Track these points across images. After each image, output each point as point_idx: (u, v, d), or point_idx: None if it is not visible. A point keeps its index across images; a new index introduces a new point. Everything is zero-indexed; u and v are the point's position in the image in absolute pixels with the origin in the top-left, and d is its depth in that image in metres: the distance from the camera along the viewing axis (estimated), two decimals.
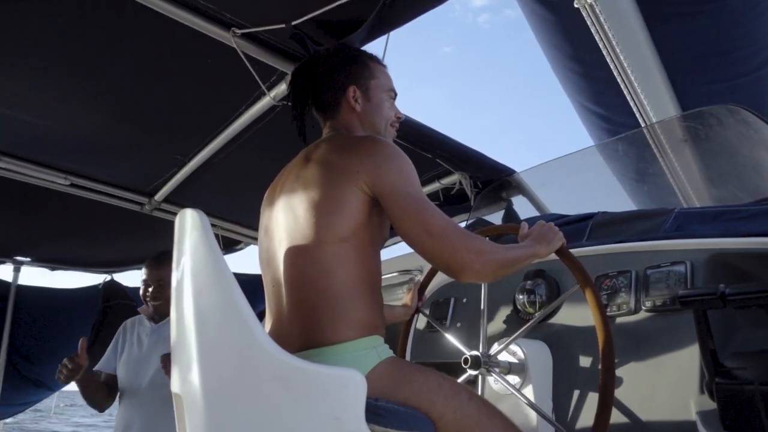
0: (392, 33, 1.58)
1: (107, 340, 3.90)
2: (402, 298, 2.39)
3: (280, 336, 1.14)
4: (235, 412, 0.92)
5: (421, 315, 1.96)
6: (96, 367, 2.46)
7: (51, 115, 2.13)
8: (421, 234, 1.06)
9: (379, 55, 1.40)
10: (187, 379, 0.97)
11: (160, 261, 2.35)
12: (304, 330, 1.10)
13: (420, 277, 2.43)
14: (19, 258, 3.67)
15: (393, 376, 1.07)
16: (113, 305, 3.88)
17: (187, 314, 0.97)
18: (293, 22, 1.48)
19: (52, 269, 3.79)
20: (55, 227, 3.28)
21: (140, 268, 3.91)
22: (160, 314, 2.41)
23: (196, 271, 0.96)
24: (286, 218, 1.18)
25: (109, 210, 2.91)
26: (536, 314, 1.62)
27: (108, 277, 3.96)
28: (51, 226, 3.27)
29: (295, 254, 1.13)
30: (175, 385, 1.05)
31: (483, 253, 1.06)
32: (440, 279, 1.98)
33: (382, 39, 1.68)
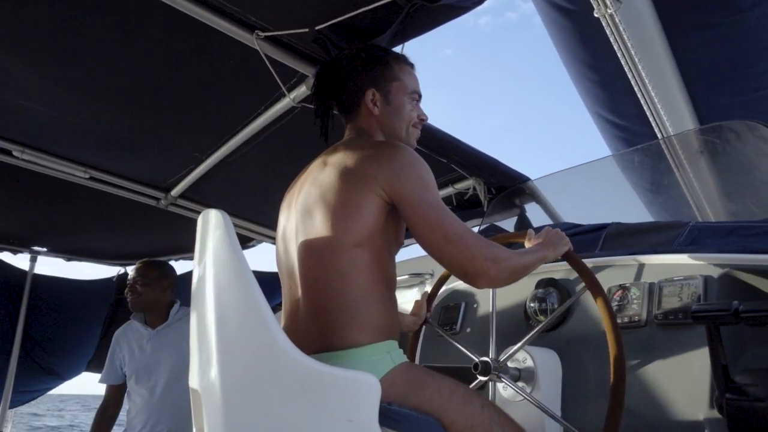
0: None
1: None
2: (412, 300, 2.40)
3: (295, 338, 1.15)
4: (252, 409, 0.94)
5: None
6: (101, 381, 2.63)
7: (73, 110, 2.17)
8: (439, 241, 1.08)
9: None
10: (206, 375, 0.99)
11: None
12: (320, 333, 1.12)
13: (431, 281, 2.44)
14: (36, 248, 3.73)
15: (407, 382, 1.08)
16: (126, 298, 3.93)
17: (208, 312, 0.99)
18: (317, 27, 1.50)
19: (68, 260, 3.85)
20: (72, 219, 3.34)
21: None
22: (136, 310, 2.65)
23: (218, 270, 0.99)
24: (304, 222, 1.19)
25: (125, 204, 2.95)
26: (556, 337, 1.63)
27: (122, 270, 4.02)
28: (68, 218, 3.33)
29: (311, 258, 1.15)
30: (194, 381, 1.07)
31: (499, 261, 1.08)
32: (451, 284, 1.99)
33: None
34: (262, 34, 1.61)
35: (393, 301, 1.20)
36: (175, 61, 1.85)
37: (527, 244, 1.38)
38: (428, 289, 1.91)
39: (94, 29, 1.70)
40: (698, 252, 1.40)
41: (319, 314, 1.12)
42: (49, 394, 4.13)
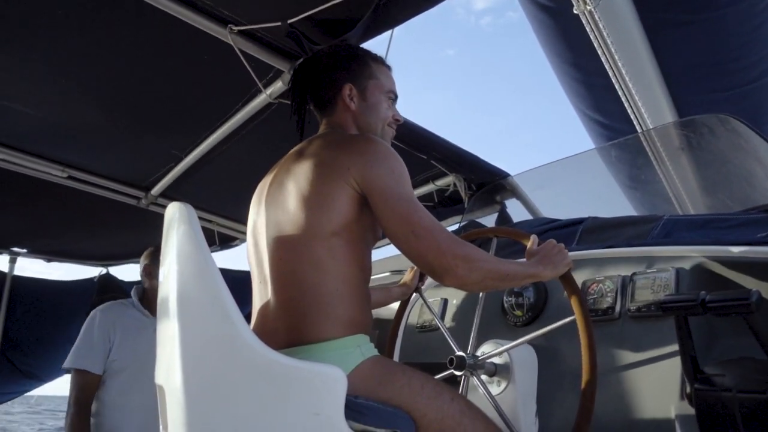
0: (396, 34, 1.59)
1: None
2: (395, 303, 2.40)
3: (265, 332, 1.14)
4: (215, 404, 0.92)
5: (410, 314, 1.97)
6: (75, 365, 2.16)
7: (49, 108, 2.14)
8: (407, 235, 1.06)
9: (381, 55, 1.40)
10: (169, 371, 0.98)
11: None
12: (290, 327, 1.10)
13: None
14: (15, 249, 3.68)
15: (376, 375, 1.07)
16: (107, 299, 3.87)
17: (172, 306, 0.97)
18: (289, 21, 1.49)
19: (48, 261, 3.81)
20: (51, 219, 3.29)
21: (136, 262, 3.92)
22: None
23: (181, 264, 0.97)
24: (276, 213, 1.18)
25: (105, 203, 2.92)
26: (524, 316, 1.63)
27: (103, 271, 3.97)
28: (48, 218, 3.28)
29: (283, 249, 1.14)
30: (159, 377, 1.06)
31: (470, 260, 1.04)
32: (428, 282, 1.99)
33: (384, 40, 1.69)
34: (236, 29, 1.60)
35: (366, 295, 1.19)
36: (151, 57, 1.83)
37: (527, 251, 1.29)
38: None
39: (67, 26, 1.68)
40: (671, 245, 1.40)
41: (291, 308, 1.11)
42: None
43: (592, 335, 1.16)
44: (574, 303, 1.21)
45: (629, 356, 1.33)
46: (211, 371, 0.94)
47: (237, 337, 0.92)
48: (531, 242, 1.29)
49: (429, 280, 1.79)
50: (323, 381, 0.94)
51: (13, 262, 3.70)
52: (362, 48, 1.40)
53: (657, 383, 1.26)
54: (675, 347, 1.22)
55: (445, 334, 1.49)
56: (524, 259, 1.26)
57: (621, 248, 1.51)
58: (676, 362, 1.23)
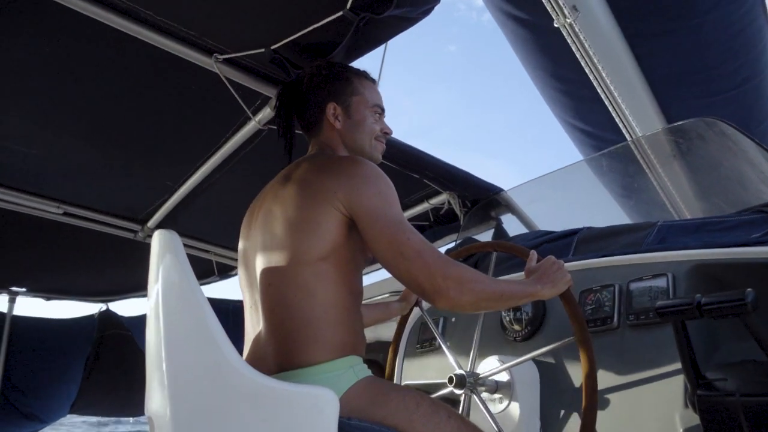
0: (393, 39, 1.59)
1: (103, 370, 3.89)
2: (393, 318, 2.37)
3: (256, 358, 1.13)
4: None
5: (409, 334, 1.95)
6: None
7: (41, 145, 2.16)
8: (396, 257, 1.03)
9: (377, 69, 1.39)
10: (158, 401, 0.96)
11: None
12: (280, 352, 1.08)
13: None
14: (14, 288, 3.67)
15: (369, 396, 1.05)
16: (108, 335, 3.87)
17: (158, 336, 0.96)
18: (272, 47, 1.51)
19: (48, 299, 3.79)
20: (49, 257, 3.29)
21: (135, 297, 3.90)
22: None
23: (166, 291, 0.96)
24: (264, 238, 1.17)
25: (102, 238, 2.92)
26: (523, 330, 1.61)
27: (103, 307, 3.95)
28: (46, 256, 3.28)
29: (272, 274, 1.13)
30: (149, 408, 1.04)
31: (463, 282, 1.01)
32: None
33: (378, 59, 1.70)
34: (221, 57, 1.61)
35: (358, 317, 1.17)
36: (139, 90, 1.85)
37: (526, 269, 1.26)
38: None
39: (57, 64, 1.70)
40: (665, 250, 1.39)
41: (280, 333, 1.09)
42: None
43: (593, 358, 1.13)
44: (574, 324, 1.18)
45: (630, 365, 1.31)
46: (199, 399, 0.92)
47: (224, 363, 0.91)
48: (530, 258, 1.26)
49: (405, 340, 1.78)
50: (314, 404, 0.92)
51: (12, 302, 3.70)
52: (343, 65, 1.39)
53: (660, 391, 1.23)
54: (676, 354, 1.20)
55: (446, 351, 1.47)
56: (522, 274, 1.24)
57: (616, 256, 1.50)
58: (678, 369, 1.21)
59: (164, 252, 0.99)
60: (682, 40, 2.25)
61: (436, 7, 1.39)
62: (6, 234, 2.92)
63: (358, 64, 1.59)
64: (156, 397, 0.97)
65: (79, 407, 3.89)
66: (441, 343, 1.50)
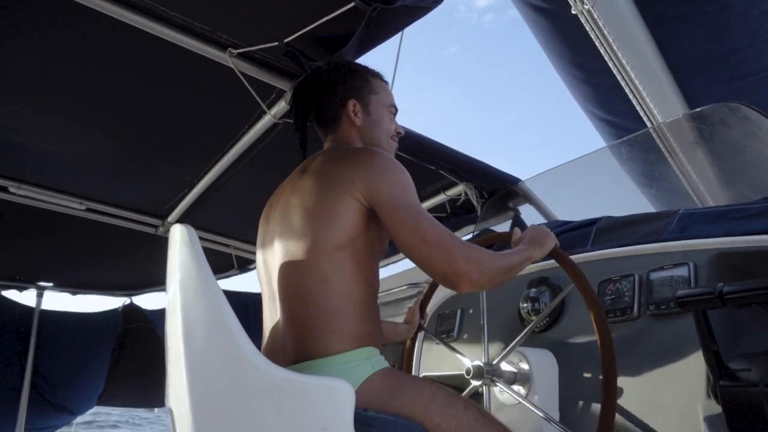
0: (404, 40, 1.60)
1: (127, 362, 3.97)
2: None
3: (274, 349, 1.14)
4: (223, 425, 0.92)
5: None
6: None
7: (63, 143, 2.20)
8: (417, 244, 1.06)
9: (391, 66, 1.42)
10: (177, 394, 0.97)
11: None
12: (297, 343, 1.10)
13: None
14: (41, 283, 3.76)
15: (386, 387, 1.06)
16: (132, 328, 3.94)
17: (177, 328, 0.98)
18: (285, 40, 1.51)
19: (74, 294, 3.88)
20: (74, 252, 3.36)
21: (158, 290, 3.97)
22: None
23: (184, 285, 0.98)
24: (282, 229, 1.18)
25: (124, 233, 2.97)
26: (551, 337, 1.60)
27: (127, 301, 4.03)
28: (71, 252, 3.35)
29: (290, 264, 1.14)
30: (169, 400, 1.05)
31: (480, 262, 1.05)
32: (445, 292, 1.97)
33: (392, 52, 1.70)
34: (235, 51, 1.62)
35: (375, 308, 1.18)
36: (157, 85, 1.87)
37: (513, 242, 1.35)
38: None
39: (76, 63, 1.73)
40: (686, 239, 1.36)
41: (297, 323, 1.11)
42: None
43: (597, 302, 1.18)
44: (570, 274, 1.25)
45: (651, 356, 1.29)
46: (217, 392, 0.93)
47: (241, 356, 0.92)
48: (514, 234, 1.34)
49: (429, 313, 1.79)
50: (330, 395, 0.93)
51: (40, 296, 3.78)
52: (361, 64, 1.43)
53: (681, 382, 1.21)
54: (698, 344, 1.18)
55: (456, 353, 1.48)
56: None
57: (636, 246, 1.47)
58: (701, 359, 1.18)
59: (181, 246, 1.00)
60: (705, 23, 2.19)
61: (437, 8, 1.39)
62: (33, 231, 2.99)
63: (371, 56, 1.60)
64: (175, 389, 0.99)
65: (105, 399, 3.98)
66: (447, 345, 1.51)
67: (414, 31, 1.60)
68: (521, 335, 1.33)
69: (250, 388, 0.91)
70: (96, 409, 4.09)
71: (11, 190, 2.49)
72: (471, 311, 1.89)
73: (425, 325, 1.72)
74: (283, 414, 0.91)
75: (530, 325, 1.35)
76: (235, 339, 0.91)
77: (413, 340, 1.72)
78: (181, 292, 0.97)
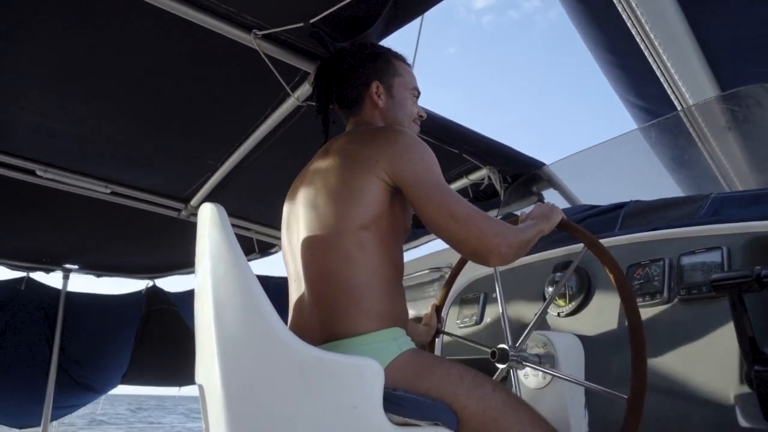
0: (397, 33, 1.59)
1: (151, 343, 4.06)
2: (433, 294, 2.37)
3: (301, 329, 1.14)
4: (254, 402, 0.93)
5: (449, 309, 1.94)
6: None
7: (89, 126, 2.22)
8: (447, 221, 1.06)
9: (411, 51, 1.41)
10: (208, 370, 0.98)
11: None
12: (325, 322, 1.10)
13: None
14: (67, 266, 3.84)
15: (413, 368, 1.06)
16: (155, 310, 4.02)
17: (207, 306, 0.98)
18: (311, 20, 1.49)
19: (98, 276, 3.96)
20: (100, 235, 3.42)
21: (180, 274, 4.02)
22: None
23: (214, 263, 0.98)
24: (306, 210, 1.18)
25: (148, 217, 3.01)
26: (567, 306, 1.58)
27: (150, 283, 4.10)
28: (96, 234, 3.41)
29: (315, 244, 1.14)
30: (199, 377, 1.07)
31: (506, 236, 1.07)
32: (467, 276, 1.96)
33: (412, 37, 1.69)
34: (260, 33, 1.61)
35: (400, 289, 1.18)
36: (180, 68, 1.87)
37: (520, 219, 1.37)
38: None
39: (101, 46, 1.73)
40: (719, 223, 1.33)
41: (324, 303, 1.11)
42: None
43: (612, 260, 1.18)
44: (580, 237, 1.27)
45: (682, 341, 1.27)
46: (248, 369, 0.94)
47: (272, 334, 0.92)
48: (520, 217, 1.37)
49: (445, 320, 1.79)
50: (359, 374, 0.93)
51: (66, 278, 3.87)
52: (384, 46, 1.42)
53: (714, 367, 1.19)
54: (730, 329, 1.16)
55: (476, 345, 1.48)
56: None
57: (666, 230, 1.44)
58: (733, 344, 1.16)
59: (211, 224, 1.00)
60: (740, 4, 2.12)
61: (434, 9, 1.38)
62: (60, 214, 3.04)
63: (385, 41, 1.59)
64: (206, 366, 1.00)
65: (129, 378, 4.07)
66: (466, 340, 1.50)
67: (412, 32, 1.61)
68: (541, 309, 1.33)
69: (281, 365, 0.92)
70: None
71: (38, 173, 2.54)
72: (494, 295, 1.88)
73: (443, 328, 1.72)
74: (313, 392, 0.91)
75: (548, 300, 1.34)
76: (266, 317, 0.92)
77: (431, 343, 1.72)
78: (211, 270, 0.98)
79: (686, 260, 1.33)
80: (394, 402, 0.96)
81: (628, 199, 1.80)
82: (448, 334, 1.73)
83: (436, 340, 1.78)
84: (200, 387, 1.06)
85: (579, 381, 1.26)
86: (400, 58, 1.37)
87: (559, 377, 1.30)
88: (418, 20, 1.57)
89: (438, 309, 1.71)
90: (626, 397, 1.07)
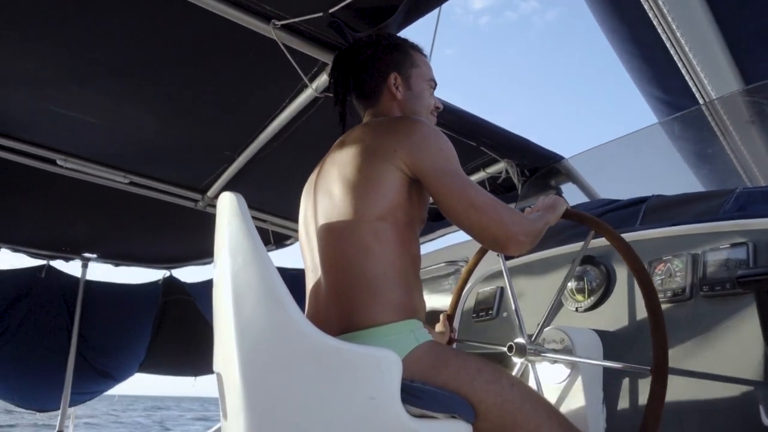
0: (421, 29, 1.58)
1: (167, 333, 4.11)
2: (448, 288, 2.36)
3: (318, 320, 1.14)
4: (272, 391, 0.93)
5: (464, 303, 1.93)
6: None
7: (108, 117, 2.24)
8: (467, 209, 1.07)
9: (428, 44, 1.39)
10: (226, 359, 0.99)
11: None
12: (341, 313, 1.10)
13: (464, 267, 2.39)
14: (86, 255, 3.89)
15: (430, 360, 1.05)
16: (172, 300, 4.06)
17: (226, 295, 0.98)
18: (330, 10, 1.49)
19: (116, 265, 4.01)
20: (118, 225, 3.46)
21: (196, 264, 4.06)
22: None
23: (233, 251, 0.98)
24: (323, 201, 1.18)
25: (165, 207, 3.04)
26: (585, 301, 1.56)
27: (167, 273, 4.14)
28: (115, 224, 3.45)
29: (331, 236, 1.14)
30: (217, 365, 1.07)
31: (523, 225, 1.08)
32: (482, 271, 1.94)
33: (429, 29, 1.67)
34: (279, 23, 1.61)
35: (417, 281, 1.17)
36: (199, 58, 1.88)
37: (527, 213, 1.36)
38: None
39: (120, 35, 1.74)
40: (745, 218, 1.30)
41: (341, 293, 1.11)
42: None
43: (628, 246, 1.17)
44: (588, 223, 1.29)
45: (705, 338, 1.25)
46: (266, 358, 0.94)
47: (291, 324, 0.92)
48: (527, 211, 1.38)
49: (457, 330, 1.78)
50: (378, 364, 0.93)
51: (85, 267, 3.93)
52: (401, 37, 1.40)
53: (737, 365, 1.17)
54: (755, 326, 1.14)
55: (487, 345, 1.48)
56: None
57: (689, 225, 1.41)
58: (758, 342, 1.14)
59: (230, 213, 1.00)
60: None
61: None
62: (79, 203, 3.08)
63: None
64: (224, 354, 1.00)
65: (146, 367, 4.13)
66: (481, 343, 1.49)
67: (409, 34, 1.59)
68: (552, 300, 1.34)
69: (300, 355, 0.92)
70: None
71: (59, 162, 2.57)
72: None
73: (455, 337, 1.71)
74: (332, 382, 0.91)
75: (559, 288, 1.34)
76: (286, 307, 0.92)
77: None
78: (231, 260, 0.98)
79: (710, 256, 1.30)
80: (412, 393, 0.96)
81: (647, 194, 1.77)
82: (461, 341, 1.73)
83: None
84: (218, 375, 1.07)
85: (598, 362, 1.25)
86: (417, 48, 1.36)
87: (577, 361, 1.31)
88: (434, 12, 1.56)
89: (450, 318, 1.71)
90: (649, 367, 1.08)
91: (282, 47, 1.70)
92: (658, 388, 1.04)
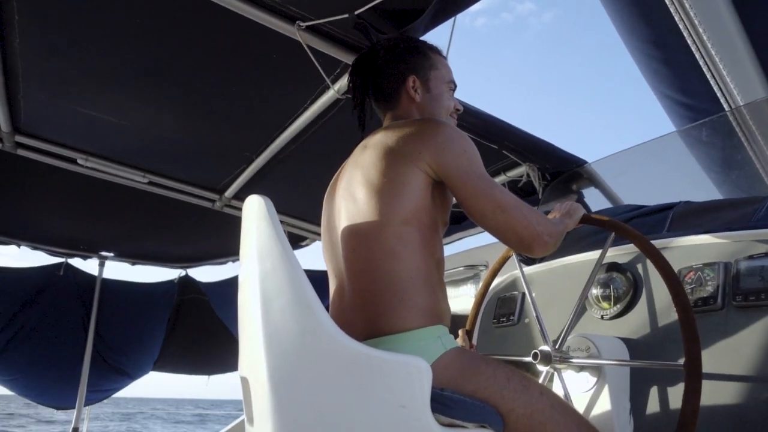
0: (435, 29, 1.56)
1: (182, 332, 4.13)
2: (467, 293, 2.34)
3: (343, 325, 1.13)
4: (300, 396, 0.92)
5: (485, 308, 1.91)
6: None
7: (129, 116, 2.25)
8: (494, 211, 1.08)
9: (444, 44, 1.38)
10: (253, 363, 0.98)
11: None
12: (368, 318, 1.08)
13: (486, 272, 2.37)
14: (103, 253, 3.92)
15: (459, 367, 1.03)
16: (187, 299, 4.08)
17: (254, 299, 0.98)
18: (356, 12, 1.47)
19: (133, 264, 4.03)
20: (135, 224, 3.48)
21: (212, 264, 4.08)
22: None
23: (261, 255, 0.97)
24: (347, 205, 1.17)
25: (183, 207, 3.04)
26: (611, 308, 1.54)
27: (182, 273, 4.16)
28: (132, 223, 3.47)
29: (357, 239, 1.13)
30: (243, 369, 1.06)
31: (548, 226, 1.10)
32: (503, 277, 1.92)
33: (445, 30, 1.66)
34: (303, 24, 1.60)
35: (442, 285, 1.16)
36: (221, 58, 1.88)
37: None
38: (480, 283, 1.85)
39: (142, 36, 1.74)
40: None
41: (366, 298, 1.09)
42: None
43: (654, 248, 1.19)
44: (607, 226, 1.31)
45: (737, 349, 1.22)
46: (294, 363, 0.93)
47: (320, 329, 0.91)
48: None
49: (476, 346, 1.77)
50: (408, 372, 0.91)
51: (102, 265, 3.96)
52: (420, 40, 1.40)
53: None
54: None
55: (508, 357, 1.46)
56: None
57: (720, 233, 1.38)
58: None
59: (259, 216, 1.00)
60: None
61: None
62: (98, 202, 3.10)
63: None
64: (251, 357, 0.99)
65: (160, 365, 4.15)
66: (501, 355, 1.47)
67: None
68: (575, 306, 1.34)
69: (329, 361, 0.90)
70: None
71: (80, 161, 2.58)
72: (533, 295, 1.84)
73: (473, 350, 1.70)
74: (361, 389, 0.90)
75: (581, 293, 1.34)
76: (315, 312, 0.91)
77: None
78: (259, 263, 0.97)
79: (744, 265, 1.27)
80: (442, 402, 0.95)
81: (672, 200, 1.74)
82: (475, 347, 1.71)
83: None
84: (243, 379, 1.06)
85: (627, 362, 1.24)
86: (436, 50, 1.35)
87: (606, 364, 1.29)
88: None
89: (469, 333, 1.70)
90: (682, 364, 1.07)
91: (306, 48, 1.69)
92: (693, 383, 1.03)
